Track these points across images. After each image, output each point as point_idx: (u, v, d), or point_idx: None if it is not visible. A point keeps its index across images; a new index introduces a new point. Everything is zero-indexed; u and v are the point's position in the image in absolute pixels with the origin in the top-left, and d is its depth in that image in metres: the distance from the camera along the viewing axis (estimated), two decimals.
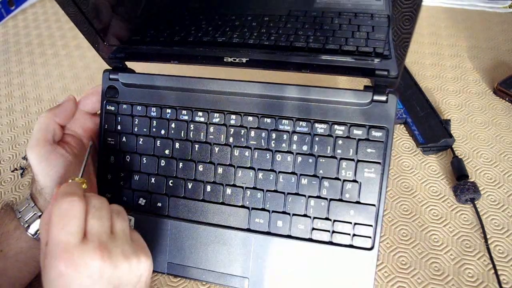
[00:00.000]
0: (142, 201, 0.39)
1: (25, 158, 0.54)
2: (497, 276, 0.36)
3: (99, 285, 0.28)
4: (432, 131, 0.46)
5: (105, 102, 0.40)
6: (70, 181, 0.32)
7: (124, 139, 0.40)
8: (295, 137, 0.36)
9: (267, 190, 0.36)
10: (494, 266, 0.37)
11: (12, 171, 0.53)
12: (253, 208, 0.36)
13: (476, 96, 0.53)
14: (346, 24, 0.32)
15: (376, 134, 0.34)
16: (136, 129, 0.39)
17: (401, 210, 0.42)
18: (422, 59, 0.59)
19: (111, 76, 0.40)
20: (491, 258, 0.37)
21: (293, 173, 0.36)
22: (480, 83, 0.54)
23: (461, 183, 0.42)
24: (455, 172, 0.44)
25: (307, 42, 0.34)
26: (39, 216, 0.36)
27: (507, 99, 0.51)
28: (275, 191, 0.36)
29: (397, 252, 0.39)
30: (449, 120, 0.49)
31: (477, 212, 0.40)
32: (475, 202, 0.41)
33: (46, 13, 0.86)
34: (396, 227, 0.41)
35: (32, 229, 0.36)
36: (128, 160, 0.39)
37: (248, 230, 0.36)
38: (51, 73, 0.69)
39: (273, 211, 0.36)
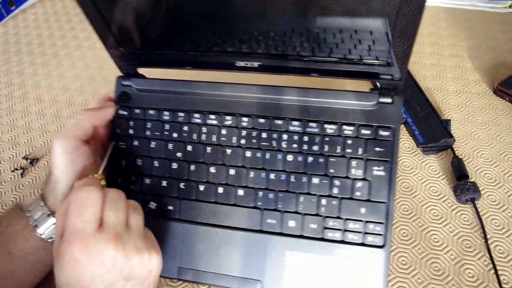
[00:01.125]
0: (152, 205, 0.39)
1: (25, 158, 0.54)
2: (497, 276, 0.36)
3: (111, 275, 0.28)
4: (432, 131, 0.46)
5: (118, 107, 0.40)
6: (90, 176, 0.33)
7: (136, 142, 0.39)
8: (305, 138, 0.36)
9: (279, 191, 0.36)
10: (494, 266, 0.37)
11: (12, 171, 0.53)
12: (265, 209, 0.36)
13: (476, 96, 0.53)
14: (354, 38, 0.33)
15: (384, 133, 0.35)
16: (148, 133, 0.39)
17: (401, 210, 0.42)
18: (422, 59, 0.59)
19: (124, 82, 0.40)
20: (491, 258, 0.37)
21: (304, 173, 0.36)
22: (480, 83, 0.54)
23: (461, 183, 0.42)
24: (455, 172, 0.44)
25: (314, 52, 0.35)
26: (48, 216, 0.36)
27: (507, 99, 0.51)
28: (287, 191, 0.36)
29: (397, 252, 0.39)
30: (449, 120, 0.49)
31: (477, 212, 0.40)
32: (475, 202, 0.41)
33: (46, 13, 0.86)
34: (396, 227, 0.41)
35: (41, 229, 0.36)
36: (139, 163, 0.39)
37: (261, 231, 0.36)
38: (51, 73, 0.69)
39: (285, 211, 0.36)
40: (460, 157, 0.45)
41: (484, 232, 0.39)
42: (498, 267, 0.37)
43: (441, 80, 0.56)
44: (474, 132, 0.48)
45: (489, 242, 0.38)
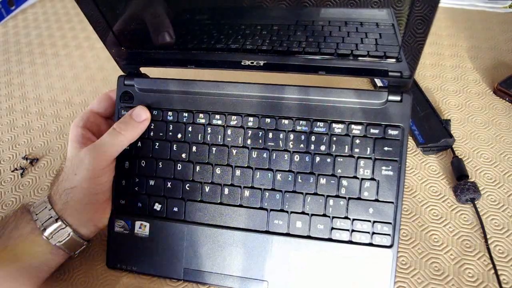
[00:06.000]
0: (157, 206, 0.39)
1: (25, 158, 0.54)
2: (497, 276, 0.36)
3: None
4: (432, 131, 0.46)
5: (120, 107, 0.40)
6: None
7: (139, 144, 0.39)
8: (312, 138, 0.36)
9: (286, 191, 0.36)
10: (494, 266, 0.37)
11: (12, 171, 0.53)
12: (271, 210, 0.36)
13: (476, 96, 0.53)
14: (362, 34, 0.33)
15: (392, 132, 0.35)
16: (152, 134, 0.39)
17: (401, 210, 0.42)
18: (422, 59, 0.59)
19: (126, 82, 0.40)
20: (491, 258, 0.37)
21: (311, 173, 0.36)
22: (480, 83, 0.54)
23: (461, 183, 0.42)
24: (455, 172, 0.44)
25: (321, 49, 0.35)
26: (56, 220, 0.36)
27: (507, 99, 0.51)
28: (294, 191, 0.36)
29: (397, 252, 0.39)
30: (449, 120, 0.49)
31: (477, 212, 0.40)
32: (475, 202, 0.41)
33: (46, 13, 0.86)
34: None
35: (48, 233, 0.36)
36: (143, 165, 0.39)
37: (267, 232, 0.36)
38: (51, 73, 0.69)
39: (292, 212, 0.36)
40: (460, 157, 0.45)
41: (484, 232, 0.39)
42: (498, 267, 0.37)
43: (441, 80, 0.56)
44: (474, 132, 0.48)
45: (489, 242, 0.38)
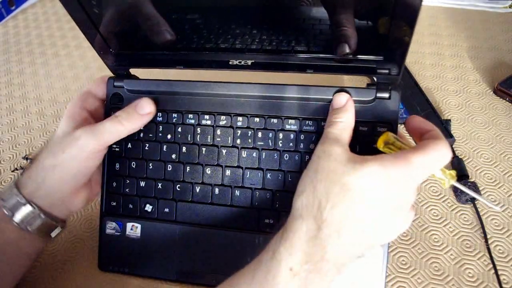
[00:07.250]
0: (149, 207, 0.39)
1: (25, 158, 0.54)
2: (497, 276, 0.36)
3: None
4: None
5: (109, 109, 0.40)
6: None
7: (129, 145, 0.39)
8: (302, 136, 0.36)
9: (276, 190, 0.36)
10: (494, 266, 0.37)
11: (12, 171, 0.53)
12: (262, 209, 0.36)
13: (476, 96, 0.53)
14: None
15: (382, 130, 0.34)
16: (142, 135, 0.39)
17: None
18: (422, 59, 0.59)
19: (115, 84, 0.40)
20: (491, 258, 0.37)
21: (301, 172, 0.36)
22: (480, 83, 0.54)
23: (461, 183, 0.41)
24: None
25: (308, 48, 0.34)
26: (24, 204, 0.35)
27: (507, 99, 0.51)
28: (285, 190, 0.36)
29: (397, 252, 0.39)
30: (449, 120, 0.49)
31: (477, 212, 0.40)
32: (475, 202, 0.41)
33: (46, 13, 0.86)
34: None
35: (17, 218, 0.35)
36: (133, 166, 0.39)
37: (258, 231, 0.36)
38: (51, 73, 0.69)
39: (283, 211, 0.36)
40: (460, 157, 0.45)
41: (484, 232, 0.39)
42: (498, 267, 0.37)
43: (441, 80, 0.56)
44: (474, 132, 0.48)
45: (489, 242, 0.38)
